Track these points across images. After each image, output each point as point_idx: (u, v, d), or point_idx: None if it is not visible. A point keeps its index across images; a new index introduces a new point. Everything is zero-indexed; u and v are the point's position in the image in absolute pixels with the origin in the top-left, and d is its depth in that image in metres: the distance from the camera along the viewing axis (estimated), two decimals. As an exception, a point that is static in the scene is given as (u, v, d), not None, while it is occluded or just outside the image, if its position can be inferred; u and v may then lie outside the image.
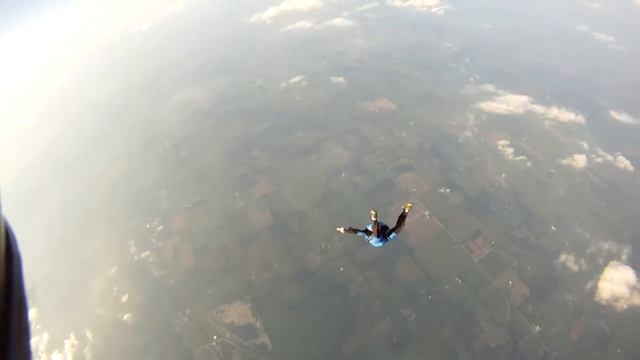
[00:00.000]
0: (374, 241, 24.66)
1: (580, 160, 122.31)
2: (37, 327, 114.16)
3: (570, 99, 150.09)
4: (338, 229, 26.63)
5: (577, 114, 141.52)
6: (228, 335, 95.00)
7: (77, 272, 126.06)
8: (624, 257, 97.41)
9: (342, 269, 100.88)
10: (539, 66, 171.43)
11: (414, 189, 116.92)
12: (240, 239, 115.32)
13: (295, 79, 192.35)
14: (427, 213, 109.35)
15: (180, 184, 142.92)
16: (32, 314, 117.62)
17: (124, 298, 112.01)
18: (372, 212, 24.76)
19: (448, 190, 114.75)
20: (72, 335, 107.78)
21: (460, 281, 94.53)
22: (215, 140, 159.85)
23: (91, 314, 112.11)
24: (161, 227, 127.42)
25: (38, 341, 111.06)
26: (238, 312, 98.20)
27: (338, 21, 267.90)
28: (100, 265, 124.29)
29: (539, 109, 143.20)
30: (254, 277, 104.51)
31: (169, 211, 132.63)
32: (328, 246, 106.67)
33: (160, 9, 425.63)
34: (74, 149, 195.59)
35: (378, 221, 24.57)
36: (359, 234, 25.30)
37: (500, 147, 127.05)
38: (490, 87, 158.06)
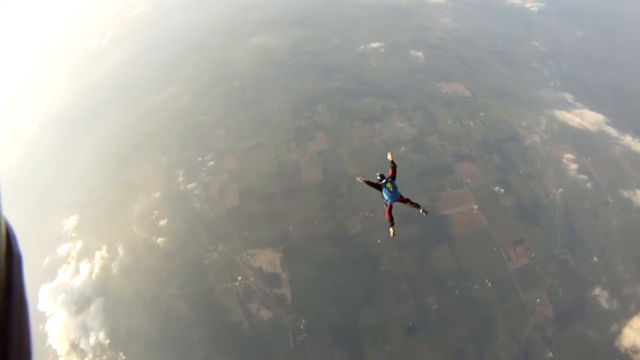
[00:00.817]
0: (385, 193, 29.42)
1: None
2: (73, 235, 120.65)
3: None
4: (357, 178, 31.32)
5: None
6: (252, 279, 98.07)
7: (122, 190, 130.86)
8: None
9: (379, 241, 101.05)
10: (623, 88, 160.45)
11: (469, 180, 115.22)
12: (287, 190, 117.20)
13: (375, 45, 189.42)
14: (475, 207, 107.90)
15: (239, 125, 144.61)
16: (72, 220, 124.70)
17: (162, 222, 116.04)
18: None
19: (502, 190, 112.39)
20: (104, 247, 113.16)
21: (490, 284, 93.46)
22: (282, 90, 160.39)
23: (127, 231, 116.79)
24: (212, 162, 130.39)
25: (71, 248, 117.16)
26: (268, 259, 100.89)
27: None
28: (146, 187, 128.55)
29: (612, 131, 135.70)
30: (291, 229, 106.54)
31: (224, 149, 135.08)
32: (371, 215, 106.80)
33: None
34: (143, 74, 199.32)
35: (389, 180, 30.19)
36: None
37: (564, 161, 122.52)
38: (568, 97, 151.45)
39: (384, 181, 29.92)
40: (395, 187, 29.83)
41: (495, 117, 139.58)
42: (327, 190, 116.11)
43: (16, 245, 3.43)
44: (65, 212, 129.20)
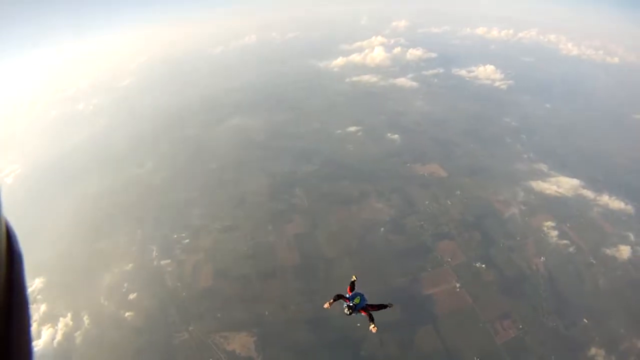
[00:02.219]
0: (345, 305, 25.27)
1: (624, 252, 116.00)
2: (38, 297, 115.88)
3: (621, 187, 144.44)
4: (325, 306, 26.39)
5: (627, 204, 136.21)
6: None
7: (94, 258, 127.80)
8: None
9: (359, 324, 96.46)
10: (593, 152, 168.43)
11: (449, 259, 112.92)
12: (263, 272, 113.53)
13: (352, 129, 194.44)
14: (458, 285, 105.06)
15: (216, 205, 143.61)
16: (37, 282, 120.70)
17: (132, 296, 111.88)
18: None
19: (484, 265, 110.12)
20: (69, 315, 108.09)
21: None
22: (260, 172, 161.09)
23: (94, 301, 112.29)
24: (188, 240, 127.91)
25: (34, 309, 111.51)
26: (242, 343, 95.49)
27: (402, 81, 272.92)
28: (118, 259, 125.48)
29: (589, 194, 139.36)
30: (267, 313, 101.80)
31: (200, 228, 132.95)
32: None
33: (235, 38, 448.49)
34: (124, 145, 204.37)
35: (356, 293, 26.57)
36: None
37: (545, 229, 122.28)
38: (543, 167, 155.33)
39: (352, 295, 26.14)
40: (361, 298, 25.91)
41: (472, 194, 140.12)
42: (304, 273, 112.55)
43: (17, 244, 3.43)
44: (32, 272, 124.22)
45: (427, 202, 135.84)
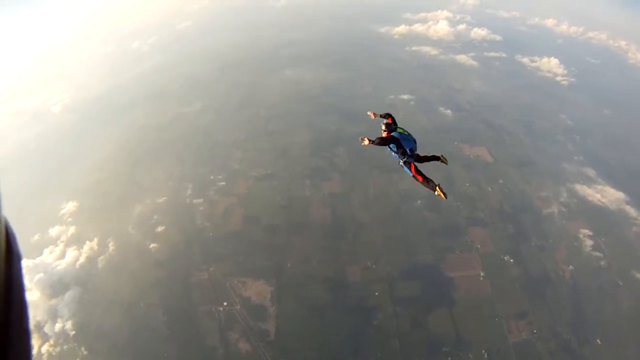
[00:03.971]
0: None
1: None
2: (69, 220, 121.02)
3: None
4: (362, 140, 22.00)
5: None
6: (238, 307, 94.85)
7: (128, 189, 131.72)
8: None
9: (377, 293, 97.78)
10: None
11: (479, 246, 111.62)
12: (293, 225, 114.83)
13: (405, 97, 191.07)
14: (482, 274, 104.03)
15: (258, 152, 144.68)
16: (70, 205, 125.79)
17: (159, 229, 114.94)
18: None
19: (512, 260, 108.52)
20: (95, 239, 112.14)
21: (486, 355, 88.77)
22: (306, 126, 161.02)
23: (122, 229, 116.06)
24: (224, 183, 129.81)
25: (62, 231, 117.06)
26: (258, 291, 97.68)
27: (463, 58, 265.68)
28: (152, 191, 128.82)
29: (632, 211, 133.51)
30: (289, 265, 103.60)
31: (237, 172, 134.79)
32: (374, 266, 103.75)
33: None
34: (175, 84, 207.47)
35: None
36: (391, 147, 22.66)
37: (580, 236, 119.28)
38: (591, 172, 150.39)
39: (392, 130, 22.84)
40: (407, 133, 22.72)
41: (515, 185, 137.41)
42: (333, 232, 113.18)
43: (16, 245, 3.38)
44: (67, 195, 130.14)
45: (467, 185, 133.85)
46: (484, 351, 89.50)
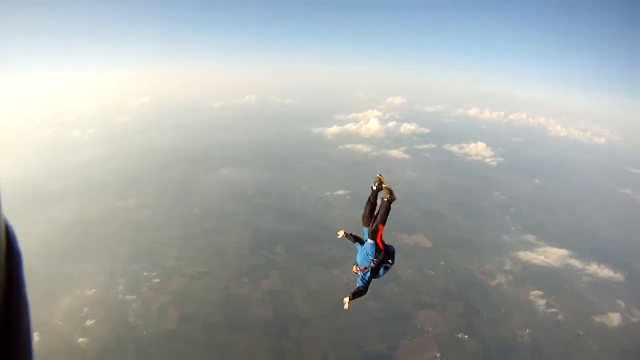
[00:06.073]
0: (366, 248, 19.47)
1: (614, 319, 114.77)
2: None
3: (610, 258, 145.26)
4: (339, 233, 21.04)
5: (616, 272, 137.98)
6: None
7: (57, 279, 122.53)
8: None
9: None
10: (582, 225, 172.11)
11: (430, 328, 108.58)
12: (233, 323, 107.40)
13: (340, 192, 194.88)
14: (438, 355, 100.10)
15: (193, 250, 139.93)
16: None
17: (89, 322, 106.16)
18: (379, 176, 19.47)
19: (466, 336, 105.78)
20: None
21: None
22: (243, 225, 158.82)
23: (49, 320, 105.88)
24: (158, 280, 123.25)
25: None
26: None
27: (395, 152, 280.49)
28: (82, 283, 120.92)
29: (577, 263, 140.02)
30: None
31: (172, 269, 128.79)
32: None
33: (236, 96, 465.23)
34: (109, 178, 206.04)
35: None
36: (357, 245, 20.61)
37: (532, 298, 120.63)
38: (530, 238, 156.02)
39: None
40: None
41: (457, 265, 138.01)
42: (275, 331, 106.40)
43: (16, 244, 3.45)
44: None
45: (409, 271, 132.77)
46: None
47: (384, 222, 18.73)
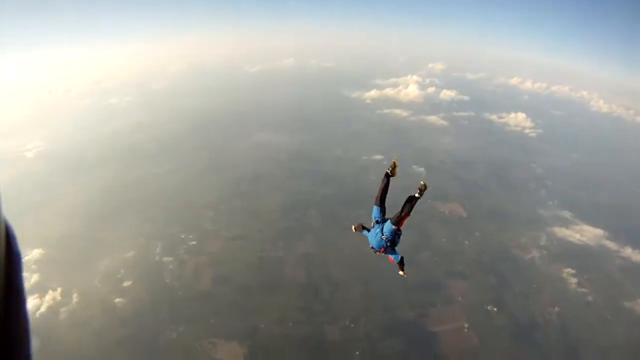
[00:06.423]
0: (383, 229, 20.77)
1: None
2: (33, 267, 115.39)
3: None
4: (352, 228, 22.81)
5: None
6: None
7: (97, 241, 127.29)
8: None
9: (358, 353, 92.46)
10: (618, 205, 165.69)
11: (460, 298, 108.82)
12: (266, 285, 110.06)
13: (377, 157, 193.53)
14: (466, 325, 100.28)
15: (229, 213, 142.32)
16: (36, 253, 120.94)
17: (126, 283, 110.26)
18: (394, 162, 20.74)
19: (495, 309, 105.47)
20: (59, 289, 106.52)
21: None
22: (278, 189, 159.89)
23: (87, 281, 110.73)
24: (194, 243, 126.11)
25: (25, 278, 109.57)
26: (230, 353, 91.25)
27: (433, 119, 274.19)
28: (120, 246, 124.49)
29: (612, 245, 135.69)
30: (263, 326, 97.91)
31: (209, 232, 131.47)
32: (352, 325, 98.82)
33: (273, 60, 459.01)
34: (148, 144, 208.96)
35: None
36: (365, 232, 22.41)
37: (564, 276, 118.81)
38: (567, 214, 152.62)
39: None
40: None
41: (491, 237, 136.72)
42: (308, 292, 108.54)
43: (16, 245, 3.43)
44: (33, 242, 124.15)
45: (444, 240, 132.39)
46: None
47: (409, 214, 19.82)
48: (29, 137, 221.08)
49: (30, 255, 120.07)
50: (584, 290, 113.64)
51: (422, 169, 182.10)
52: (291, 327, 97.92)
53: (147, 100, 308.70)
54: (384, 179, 21.14)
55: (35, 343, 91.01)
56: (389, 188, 21.43)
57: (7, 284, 3.03)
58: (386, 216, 21.43)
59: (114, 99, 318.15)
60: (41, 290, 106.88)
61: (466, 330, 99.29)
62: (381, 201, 21.69)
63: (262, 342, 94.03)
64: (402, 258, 21.04)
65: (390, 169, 20.53)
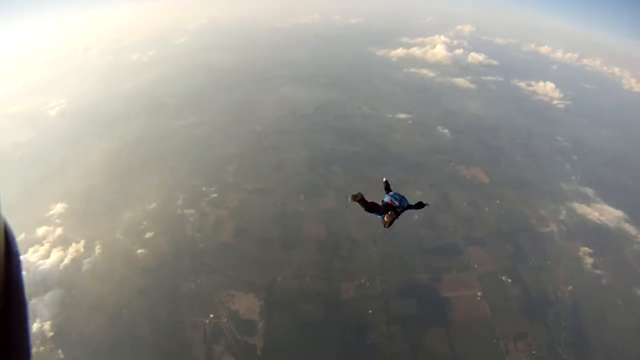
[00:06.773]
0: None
1: None
2: (57, 221, 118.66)
3: None
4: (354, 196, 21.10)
5: None
6: (225, 320, 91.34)
7: (120, 194, 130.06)
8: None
9: (371, 311, 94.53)
10: None
11: (476, 265, 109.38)
12: (286, 239, 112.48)
13: (402, 116, 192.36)
14: (479, 294, 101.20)
15: (252, 166, 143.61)
16: (60, 207, 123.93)
17: (148, 235, 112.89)
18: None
19: (510, 280, 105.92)
20: (82, 242, 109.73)
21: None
22: (302, 143, 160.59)
23: (110, 233, 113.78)
24: (216, 195, 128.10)
25: (49, 232, 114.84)
26: (247, 305, 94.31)
27: (460, 81, 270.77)
28: (143, 199, 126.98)
29: (631, 229, 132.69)
30: (280, 279, 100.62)
31: (230, 185, 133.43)
32: (367, 284, 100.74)
33: (298, 15, 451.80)
34: (171, 98, 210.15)
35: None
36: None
37: (580, 254, 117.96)
38: (589, 191, 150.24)
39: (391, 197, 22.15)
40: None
41: (512, 205, 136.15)
42: (327, 248, 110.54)
43: (15, 246, 3.42)
44: (57, 197, 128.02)
45: (464, 205, 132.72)
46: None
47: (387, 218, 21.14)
48: (52, 96, 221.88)
49: (54, 210, 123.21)
50: (598, 272, 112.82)
51: (446, 131, 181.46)
52: (308, 282, 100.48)
53: (169, 56, 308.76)
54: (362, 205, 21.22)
55: (59, 293, 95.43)
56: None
57: (6, 284, 3.09)
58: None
59: (136, 55, 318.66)
60: (65, 243, 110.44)
61: (479, 299, 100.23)
62: (386, 191, 23.23)
63: (279, 295, 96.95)
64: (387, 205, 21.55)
65: (350, 199, 20.82)
